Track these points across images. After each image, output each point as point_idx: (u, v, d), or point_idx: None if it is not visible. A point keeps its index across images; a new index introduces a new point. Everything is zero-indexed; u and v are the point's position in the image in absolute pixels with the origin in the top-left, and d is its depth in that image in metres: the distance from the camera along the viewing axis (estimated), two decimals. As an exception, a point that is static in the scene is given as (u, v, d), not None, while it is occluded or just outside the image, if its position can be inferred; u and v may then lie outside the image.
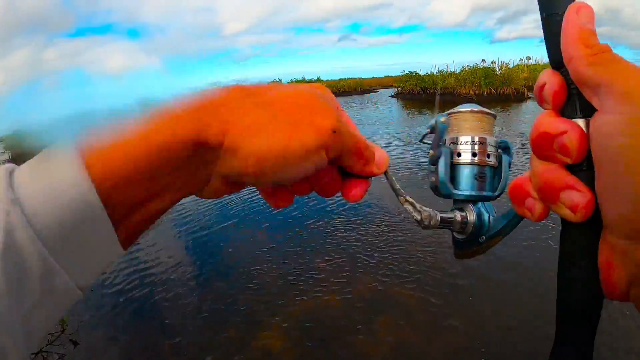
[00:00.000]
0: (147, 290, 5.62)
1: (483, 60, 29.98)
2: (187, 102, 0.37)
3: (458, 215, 0.50)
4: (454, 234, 0.53)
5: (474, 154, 0.52)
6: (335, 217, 7.59)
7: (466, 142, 0.52)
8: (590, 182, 0.32)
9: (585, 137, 0.32)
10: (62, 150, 0.33)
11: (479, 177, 0.52)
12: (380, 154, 0.46)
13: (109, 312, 5.24)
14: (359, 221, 7.33)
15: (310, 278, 5.51)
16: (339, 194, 0.46)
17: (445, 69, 29.37)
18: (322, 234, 6.92)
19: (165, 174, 0.36)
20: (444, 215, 0.50)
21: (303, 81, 36.21)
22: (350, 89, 36.07)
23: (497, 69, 27.59)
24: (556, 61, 0.35)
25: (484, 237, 0.50)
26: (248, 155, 0.36)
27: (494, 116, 0.56)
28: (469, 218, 0.50)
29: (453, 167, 0.52)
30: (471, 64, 28.06)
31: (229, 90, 0.39)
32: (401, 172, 9.79)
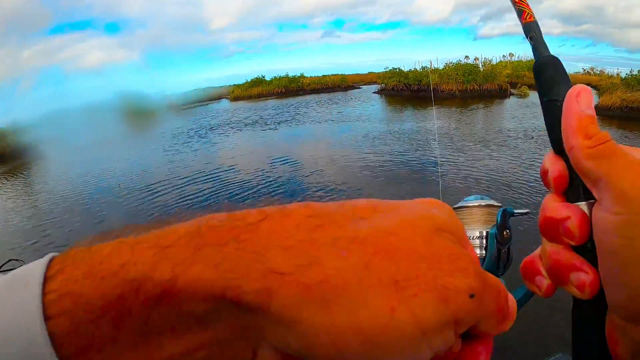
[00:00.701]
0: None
1: (466, 56, 30.40)
2: (209, 227, 0.24)
3: None
4: None
5: (485, 248, 0.55)
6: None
7: (475, 237, 0.56)
8: (594, 260, 0.33)
9: (588, 220, 0.33)
10: (28, 279, 0.23)
11: (489, 262, 0.54)
12: (511, 299, 0.31)
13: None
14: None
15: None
16: None
17: (428, 66, 29.53)
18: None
19: (173, 338, 0.23)
20: None
21: (286, 77, 36.52)
22: (334, 85, 36.11)
23: (480, 66, 27.88)
24: (558, 146, 0.35)
25: None
26: (311, 334, 0.23)
27: (500, 207, 0.58)
28: None
29: None
30: (455, 61, 28.45)
31: (284, 212, 0.26)
32: (382, 168, 9.78)
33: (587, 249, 0.33)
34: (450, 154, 10.76)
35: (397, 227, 0.26)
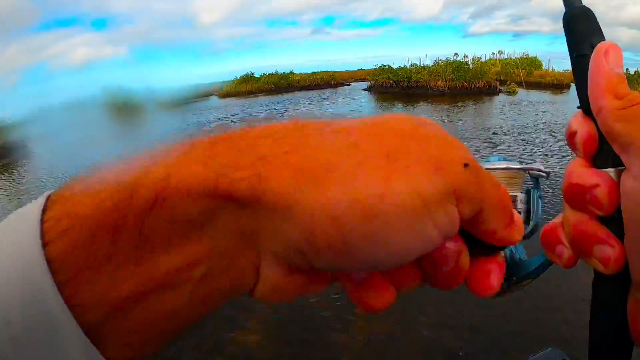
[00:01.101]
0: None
1: (456, 54, 30.39)
2: (201, 137, 0.25)
3: None
4: None
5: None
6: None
7: None
8: (621, 233, 0.30)
9: (617, 189, 0.30)
10: (27, 213, 0.23)
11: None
12: (515, 213, 0.30)
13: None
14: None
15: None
16: None
17: (418, 63, 29.55)
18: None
19: (167, 252, 0.23)
20: None
21: (276, 74, 36.40)
22: (323, 82, 35.82)
23: (469, 63, 27.91)
24: (587, 105, 0.32)
25: (514, 279, 0.50)
26: (309, 215, 0.22)
27: (525, 170, 0.55)
28: None
29: None
30: (444, 58, 28.38)
31: (272, 122, 0.26)
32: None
33: (614, 220, 0.30)
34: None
35: (382, 119, 0.26)
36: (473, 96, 22.91)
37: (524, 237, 0.52)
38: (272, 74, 36.76)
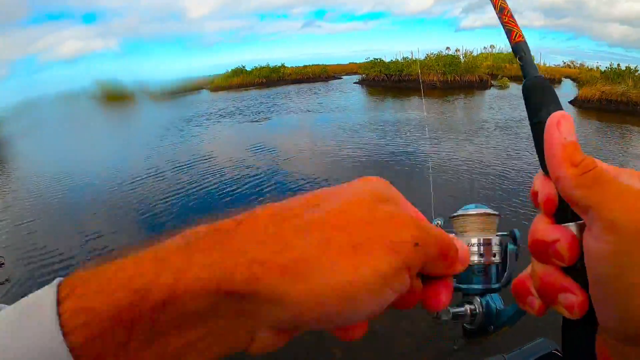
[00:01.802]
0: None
1: (448, 48, 30.39)
2: (196, 238, 0.29)
3: (468, 309, 0.57)
4: (464, 324, 0.58)
5: (480, 255, 0.56)
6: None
7: (473, 244, 0.57)
8: (583, 281, 0.32)
9: (577, 242, 0.33)
10: (41, 304, 0.26)
11: (485, 274, 0.56)
12: (461, 246, 0.37)
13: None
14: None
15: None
16: None
17: (409, 56, 29.55)
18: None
19: (177, 335, 0.27)
20: (456, 311, 0.56)
21: (267, 68, 36.23)
22: (315, 75, 35.87)
23: (461, 57, 27.95)
24: (547, 168, 0.35)
25: (492, 327, 0.56)
26: (297, 303, 0.27)
27: (498, 216, 0.60)
28: (477, 310, 0.56)
29: None
30: (436, 52, 28.37)
31: (253, 216, 0.30)
32: (370, 159, 9.76)
33: (576, 270, 0.33)
34: (431, 143, 10.79)
35: (344, 205, 0.31)
36: (464, 90, 22.96)
37: (501, 286, 0.57)
38: (264, 67, 36.55)
